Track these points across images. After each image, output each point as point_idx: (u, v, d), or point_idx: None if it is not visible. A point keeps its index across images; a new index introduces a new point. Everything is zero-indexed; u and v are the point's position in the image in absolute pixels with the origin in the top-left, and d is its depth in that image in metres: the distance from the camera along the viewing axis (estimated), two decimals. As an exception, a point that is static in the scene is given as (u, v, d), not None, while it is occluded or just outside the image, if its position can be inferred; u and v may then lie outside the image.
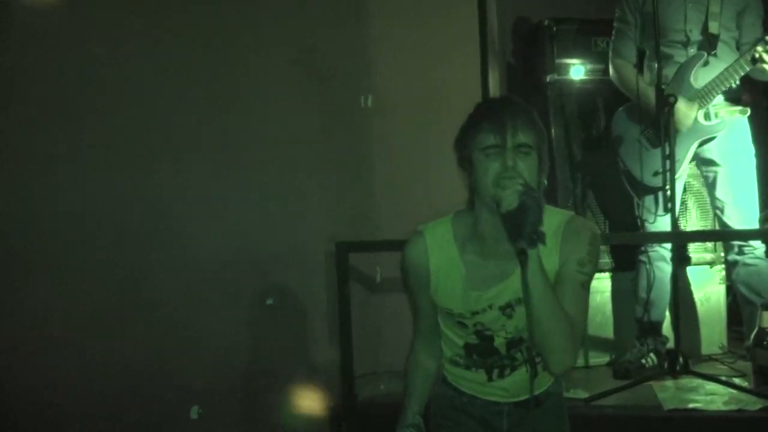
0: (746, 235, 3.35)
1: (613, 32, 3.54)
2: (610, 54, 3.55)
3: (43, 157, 2.60)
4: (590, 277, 1.83)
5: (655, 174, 3.26)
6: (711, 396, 2.94)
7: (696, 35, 3.33)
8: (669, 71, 3.34)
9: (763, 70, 3.17)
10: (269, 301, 3.09)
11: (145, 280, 2.80)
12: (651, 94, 3.27)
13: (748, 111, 3.35)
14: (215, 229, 2.97)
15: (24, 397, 2.46)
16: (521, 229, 1.61)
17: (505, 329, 1.86)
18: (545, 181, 1.82)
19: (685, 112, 3.24)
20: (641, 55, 3.44)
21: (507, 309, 1.83)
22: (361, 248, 3.24)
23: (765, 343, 2.97)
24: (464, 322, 1.88)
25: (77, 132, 2.68)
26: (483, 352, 1.91)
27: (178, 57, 2.93)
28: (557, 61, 3.84)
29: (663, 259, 3.41)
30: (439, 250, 1.89)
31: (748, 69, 3.21)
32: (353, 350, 3.09)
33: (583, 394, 2.99)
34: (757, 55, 3.14)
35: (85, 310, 2.60)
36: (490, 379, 1.94)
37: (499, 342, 1.88)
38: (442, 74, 3.49)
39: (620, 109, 3.55)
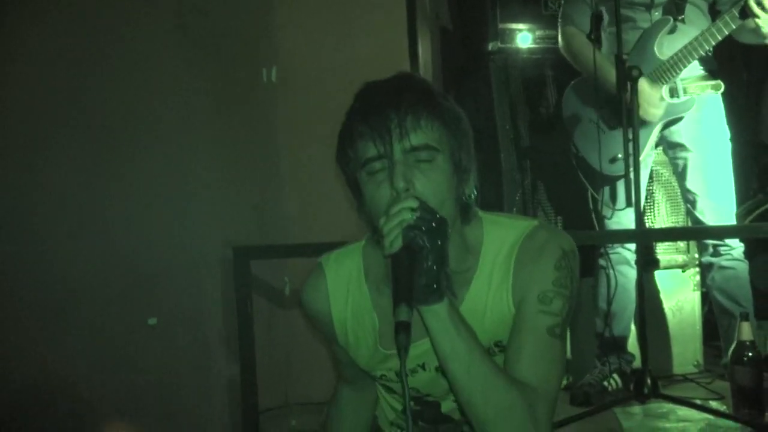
0: (721, 233, 3.38)
1: None
2: (560, 20, 3.57)
3: None
4: (561, 318, 1.55)
5: (614, 160, 3.30)
6: (684, 423, 3.00)
7: None
8: (630, 38, 3.35)
9: (755, 27, 3.13)
10: (151, 322, 2.88)
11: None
12: (609, 66, 3.25)
13: (722, 87, 3.36)
14: (84, 236, 2.78)
15: None
16: (405, 287, 1.38)
17: (451, 394, 1.62)
18: (472, 192, 1.56)
19: (649, 92, 3.24)
20: (597, 20, 3.38)
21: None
22: (266, 254, 3.11)
23: (745, 359, 2.94)
24: (392, 387, 1.69)
25: None
26: (430, 419, 1.72)
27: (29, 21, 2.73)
28: (501, 26, 3.83)
29: (626, 262, 3.42)
30: (345, 294, 1.67)
31: (734, 26, 3.17)
32: (257, 379, 2.92)
33: None
34: (748, 7, 3.10)
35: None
36: None
37: (448, 407, 1.68)
38: (362, 42, 3.42)
39: (571, 84, 3.57)
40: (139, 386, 2.91)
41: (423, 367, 1.60)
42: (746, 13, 3.10)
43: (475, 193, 1.57)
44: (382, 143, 1.41)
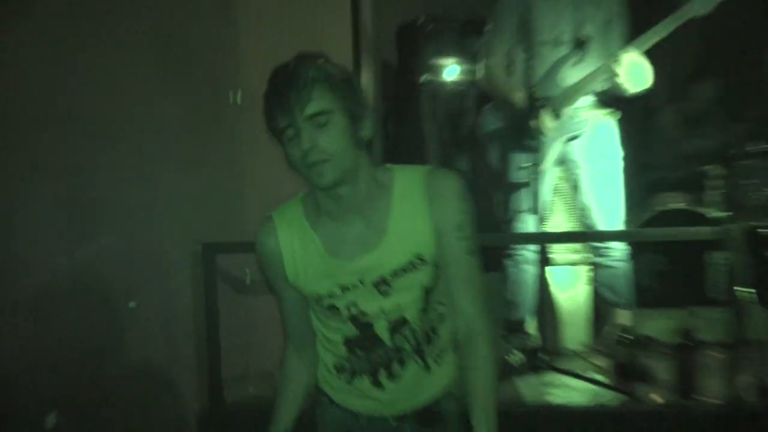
0: (606, 237, 3.56)
1: (485, 34, 3.69)
2: (482, 54, 3.70)
3: None
4: (473, 239, 1.75)
5: (521, 171, 3.46)
6: (572, 391, 3.20)
7: (566, 37, 3.50)
8: (538, 72, 3.51)
9: (617, 84, 3.32)
10: (132, 304, 3.05)
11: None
12: (519, 94, 3.48)
13: (619, 114, 3.57)
14: (67, 231, 2.92)
15: None
16: None
17: (383, 312, 1.76)
18: (368, 132, 1.71)
19: (552, 117, 3.44)
20: (513, 56, 3.61)
21: (381, 285, 1.73)
22: (230, 249, 3.24)
23: (621, 340, 3.28)
24: (336, 305, 1.77)
25: None
26: (365, 345, 1.81)
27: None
28: (431, 61, 3.95)
29: (528, 260, 3.61)
30: (289, 229, 1.79)
31: (606, 83, 3.40)
32: (221, 352, 3.11)
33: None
34: (613, 65, 3.29)
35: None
36: (378, 385, 1.84)
37: (380, 328, 1.78)
38: None
39: (486, 107, 3.72)
40: (128, 356, 3.00)
41: (361, 282, 1.72)
42: (611, 72, 3.31)
43: (370, 133, 1.71)
44: (289, 116, 1.58)
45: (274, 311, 1.93)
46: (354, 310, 1.77)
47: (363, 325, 1.79)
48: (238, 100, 3.54)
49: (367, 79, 3.73)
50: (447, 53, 4.06)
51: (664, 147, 5.17)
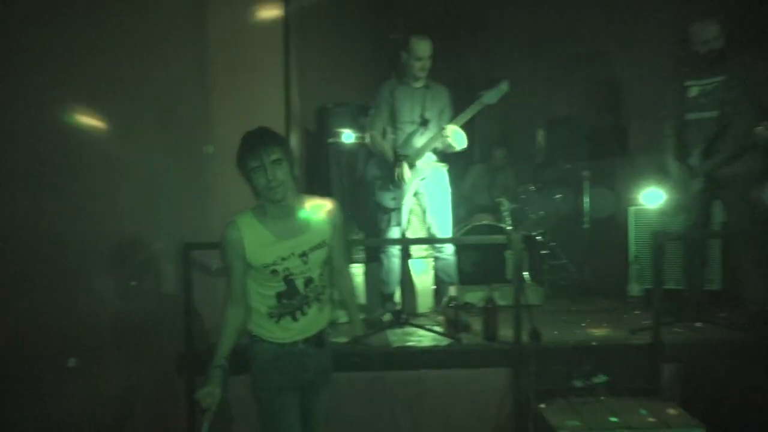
0: (441, 241, 3.57)
1: (370, 113, 3.66)
2: (367, 127, 3.67)
3: None
4: (348, 234, 2.11)
5: (391, 200, 3.47)
6: (420, 338, 3.20)
7: (417, 118, 3.52)
8: (401, 139, 3.53)
9: (447, 144, 3.43)
10: (133, 283, 2.80)
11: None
12: (391, 152, 3.49)
13: (447, 165, 3.61)
14: (100, 230, 2.54)
15: None
16: None
17: (302, 273, 1.95)
18: (296, 172, 1.97)
19: (406, 171, 3.44)
20: (386, 129, 3.59)
21: (303, 256, 1.94)
22: (201, 247, 3.08)
23: (450, 305, 3.31)
24: (277, 269, 1.92)
25: None
26: (290, 294, 1.96)
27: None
28: (335, 130, 3.95)
29: (394, 255, 3.59)
30: (248, 227, 1.94)
31: (440, 144, 3.46)
32: (193, 313, 2.98)
33: (344, 339, 3.09)
34: (444, 133, 3.39)
35: None
36: (295, 319, 1.97)
37: (299, 282, 1.95)
38: None
39: (370, 160, 3.68)
40: (118, 324, 2.66)
41: (293, 254, 1.93)
42: (443, 137, 3.39)
43: (297, 173, 2.00)
44: (259, 159, 1.83)
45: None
46: (286, 272, 1.94)
47: (290, 281, 1.95)
48: (211, 151, 3.41)
49: (294, 140, 3.71)
50: (345, 125, 4.05)
51: (476, 186, 5.31)
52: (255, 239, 1.93)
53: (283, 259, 1.93)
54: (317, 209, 2.00)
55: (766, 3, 4.13)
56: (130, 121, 2.80)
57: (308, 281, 1.99)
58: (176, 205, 3.15)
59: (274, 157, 1.84)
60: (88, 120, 2.57)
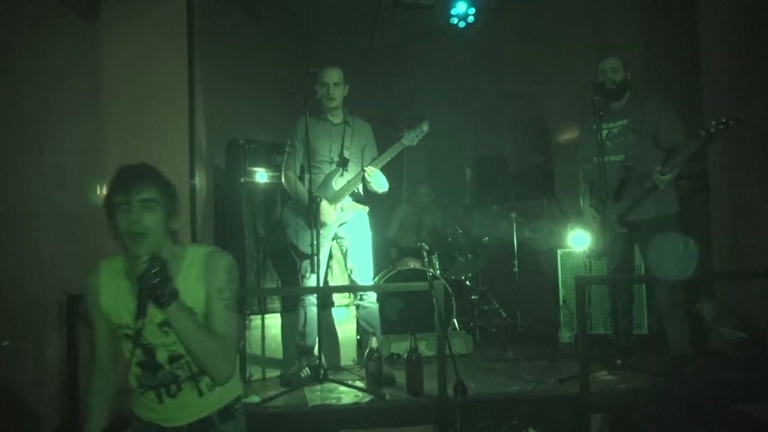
0: (363, 289, 3.55)
1: (286, 152, 3.62)
2: (283, 167, 3.63)
3: None
4: (231, 300, 1.72)
5: (309, 245, 3.36)
6: (341, 394, 3.14)
7: (335, 157, 3.53)
8: (318, 179, 3.51)
9: (368, 183, 3.46)
10: (4, 343, 2.54)
11: None
12: (306, 195, 3.40)
13: (367, 208, 3.59)
14: None
15: None
16: (148, 293, 1.55)
17: (165, 345, 1.70)
18: (176, 226, 1.71)
19: (328, 209, 3.44)
20: (302, 169, 3.56)
21: (163, 326, 1.67)
22: None
23: (372, 358, 3.23)
24: (129, 334, 1.69)
25: None
26: (150, 367, 1.71)
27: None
28: (248, 168, 3.84)
29: (313, 303, 3.51)
30: (110, 277, 1.73)
31: (361, 183, 3.49)
32: (79, 377, 2.79)
33: (257, 399, 3.02)
34: (364, 175, 3.45)
35: None
36: (160, 400, 1.73)
37: (161, 357, 1.71)
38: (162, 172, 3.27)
39: (288, 203, 3.64)
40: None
41: (150, 322, 1.64)
42: (364, 179, 3.44)
43: (176, 228, 1.72)
44: (126, 195, 1.60)
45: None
46: (143, 341, 1.68)
47: (149, 351, 1.71)
48: (104, 193, 3.20)
49: (199, 177, 3.60)
50: (259, 163, 3.93)
51: (403, 227, 5.35)
52: (113, 293, 1.71)
53: (137, 326, 1.62)
54: (193, 265, 1.72)
55: (669, 51, 4.50)
56: (9, 153, 2.67)
57: (176, 358, 1.71)
58: (61, 251, 2.99)
59: (145, 195, 1.61)
60: None
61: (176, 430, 1.74)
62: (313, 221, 3.35)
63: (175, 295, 1.59)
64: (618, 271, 3.53)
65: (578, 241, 4.22)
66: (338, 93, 3.53)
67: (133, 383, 1.77)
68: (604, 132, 3.51)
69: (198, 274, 1.71)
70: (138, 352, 1.70)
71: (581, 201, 3.71)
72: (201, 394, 1.75)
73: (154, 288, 1.55)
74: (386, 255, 4.98)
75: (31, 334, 2.79)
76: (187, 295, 1.68)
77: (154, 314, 1.65)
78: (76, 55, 3.18)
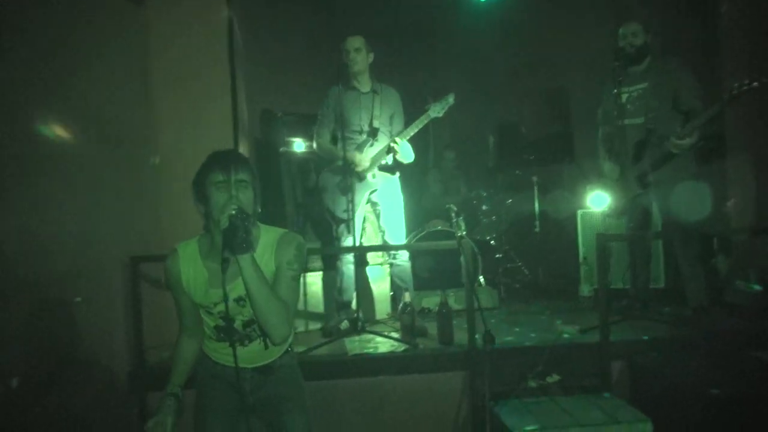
0: (395, 248, 3.61)
1: (317, 121, 3.62)
2: (315, 135, 3.65)
3: None
4: (298, 273, 1.80)
5: (344, 211, 3.43)
6: (378, 344, 3.23)
7: (366, 127, 3.51)
8: (351, 148, 3.48)
9: (395, 155, 3.45)
10: (78, 299, 2.74)
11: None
12: (340, 152, 3.44)
13: (398, 173, 3.60)
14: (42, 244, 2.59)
15: None
16: (230, 242, 1.61)
17: (241, 314, 1.80)
18: (259, 208, 1.79)
19: (360, 157, 3.42)
20: (334, 138, 3.57)
21: (240, 301, 1.77)
22: (150, 260, 3.02)
23: (406, 311, 3.30)
24: (210, 311, 1.80)
25: None
26: (227, 330, 1.81)
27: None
28: (286, 138, 3.90)
29: (350, 262, 3.57)
30: (188, 261, 1.80)
31: (388, 155, 3.45)
32: (143, 329, 2.94)
33: (302, 348, 3.10)
34: (391, 146, 3.44)
35: None
36: (234, 349, 1.78)
37: (237, 324, 1.81)
38: (206, 144, 2.93)
39: (324, 169, 3.64)
40: (64, 342, 2.70)
41: (227, 299, 1.70)
42: (389, 149, 3.45)
43: (260, 209, 1.80)
44: (225, 173, 1.67)
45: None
46: (222, 314, 1.77)
47: (227, 320, 1.79)
48: (157, 162, 3.39)
49: (242, 149, 3.64)
50: (296, 133, 4.01)
51: (431, 192, 5.38)
52: (192, 276, 1.79)
53: (215, 303, 1.76)
54: (267, 246, 1.79)
55: (688, 15, 4.37)
56: (72, 132, 2.76)
57: (248, 323, 1.82)
58: (123, 217, 3.08)
59: (241, 176, 1.70)
60: (28, 130, 2.59)
61: (242, 370, 1.84)
62: (348, 188, 3.38)
63: (252, 246, 1.66)
64: (636, 229, 3.52)
65: (598, 201, 4.22)
66: (360, 58, 3.48)
67: (209, 334, 1.88)
68: (624, 96, 3.46)
69: (271, 253, 1.79)
70: (218, 320, 1.81)
71: (601, 163, 3.68)
72: (266, 347, 1.87)
73: (236, 233, 1.60)
74: (415, 218, 5.01)
75: (101, 292, 2.90)
76: (262, 268, 1.75)
77: (233, 290, 1.75)
78: (125, 35, 3.24)
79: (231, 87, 3.46)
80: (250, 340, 1.84)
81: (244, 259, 1.64)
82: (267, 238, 1.81)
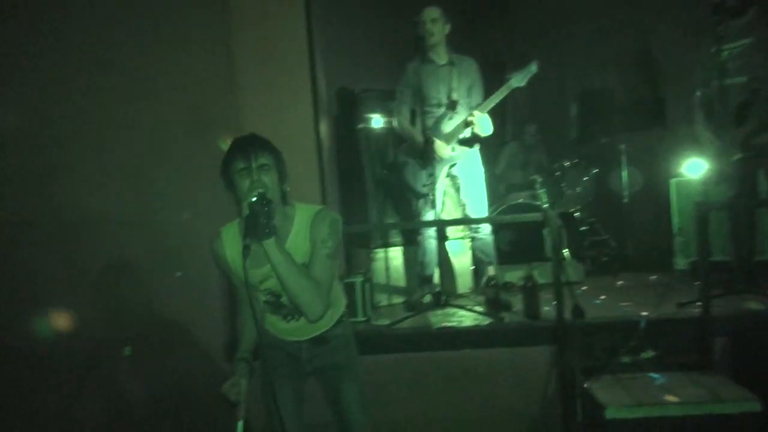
0: (478, 221, 3.53)
1: (396, 97, 3.60)
2: (394, 113, 3.64)
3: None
4: (332, 250, 1.82)
5: (424, 185, 3.42)
6: (461, 318, 3.20)
7: (444, 100, 3.44)
8: (429, 124, 3.46)
9: (473, 128, 3.36)
10: (178, 274, 2.86)
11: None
12: (419, 136, 3.44)
13: (478, 146, 3.53)
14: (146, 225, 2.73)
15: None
16: (251, 229, 1.63)
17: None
18: (287, 188, 1.81)
19: (440, 146, 3.41)
20: (413, 113, 3.54)
21: None
22: None
23: (490, 285, 3.30)
24: (257, 288, 1.86)
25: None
26: (276, 305, 1.90)
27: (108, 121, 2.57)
28: (364, 115, 3.90)
29: (431, 237, 3.55)
30: (231, 243, 1.85)
31: (466, 128, 3.39)
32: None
33: (387, 321, 3.16)
34: (469, 120, 3.34)
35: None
36: (286, 321, 1.93)
37: (284, 299, 1.86)
38: (289, 123, 3.40)
39: (402, 145, 3.64)
40: (168, 314, 2.79)
41: (271, 276, 1.78)
42: (467, 123, 3.36)
43: (288, 189, 1.81)
44: (246, 161, 1.71)
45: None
46: (268, 291, 1.87)
47: (275, 295, 1.87)
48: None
49: (322, 126, 3.63)
50: (374, 110, 3.99)
51: (510, 165, 5.23)
52: (234, 253, 1.83)
53: (261, 281, 1.83)
54: (302, 224, 1.82)
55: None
56: (163, 117, 2.86)
57: None
58: (214, 196, 3.10)
59: (262, 161, 1.73)
60: (123, 118, 2.68)
61: (297, 342, 1.96)
62: (428, 163, 3.34)
63: (274, 231, 1.68)
64: (740, 197, 3.25)
65: (694, 168, 3.92)
66: (437, 29, 3.41)
67: (264, 308, 1.96)
68: (725, 53, 3.15)
69: (306, 232, 1.81)
70: (267, 296, 1.89)
71: (697, 128, 3.40)
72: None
73: (257, 220, 1.63)
74: (494, 192, 4.90)
75: (196, 267, 2.98)
76: (297, 248, 1.81)
77: (270, 271, 1.78)
78: (209, 22, 3.32)
79: (310, 67, 3.48)
80: (299, 315, 1.88)
81: (268, 244, 1.67)
82: (302, 216, 1.84)
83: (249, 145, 1.74)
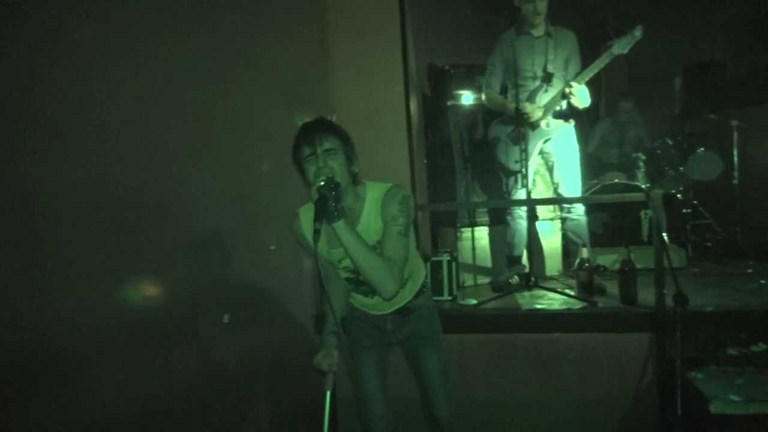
0: (572, 200, 3.42)
1: (486, 72, 3.52)
2: (483, 86, 3.56)
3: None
4: (404, 227, 1.80)
5: (516, 162, 3.33)
6: (551, 301, 3.11)
7: (539, 73, 3.35)
8: (523, 97, 3.35)
9: (570, 99, 3.23)
10: (272, 247, 2.91)
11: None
12: (511, 106, 3.31)
13: (573, 122, 3.41)
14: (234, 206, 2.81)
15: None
16: (320, 212, 1.64)
17: None
18: (356, 168, 1.81)
19: (534, 108, 3.28)
20: (504, 87, 3.46)
21: None
22: None
23: (583, 268, 3.11)
24: (337, 266, 1.92)
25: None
26: (356, 283, 1.94)
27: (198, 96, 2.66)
28: (454, 92, 3.83)
29: (521, 217, 3.47)
30: (308, 224, 1.86)
31: (562, 100, 3.26)
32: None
33: (474, 301, 3.12)
34: (566, 91, 3.20)
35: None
36: (368, 297, 1.98)
37: (363, 276, 1.84)
38: (380, 101, 3.37)
39: (493, 121, 3.56)
40: (264, 284, 2.87)
41: (346, 256, 1.80)
42: (564, 95, 3.23)
43: (358, 169, 1.81)
44: (312, 147, 1.72)
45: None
46: (348, 269, 1.90)
47: (355, 273, 1.89)
48: (333, 119, 3.35)
49: (413, 104, 3.58)
50: (463, 86, 3.89)
51: (604, 142, 4.95)
52: (311, 232, 1.81)
53: (339, 260, 1.88)
54: (373, 203, 1.82)
55: None
56: (260, 93, 2.92)
57: None
58: (297, 178, 3.20)
59: (327, 145, 1.73)
60: (221, 95, 2.78)
61: (382, 315, 2.02)
62: (520, 138, 3.23)
63: (343, 214, 1.69)
64: None
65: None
66: (543, 6, 3.29)
67: (347, 285, 2.03)
68: None
69: (377, 210, 1.82)
70: (347, 273, 1.93)
71: None
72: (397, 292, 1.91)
73: (326, 203, 1.64)
74: (587, 170, 4.66)
75: (289, 242, 3.06)
76: (369, 227, 1.82)
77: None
78: (304, 3, 3.34)
79: (401, 43, 3.42)
80: None
81: (338, 227, 1.69)
82: (373, 194, 1.83)
83: (314, 130, 1.75)
